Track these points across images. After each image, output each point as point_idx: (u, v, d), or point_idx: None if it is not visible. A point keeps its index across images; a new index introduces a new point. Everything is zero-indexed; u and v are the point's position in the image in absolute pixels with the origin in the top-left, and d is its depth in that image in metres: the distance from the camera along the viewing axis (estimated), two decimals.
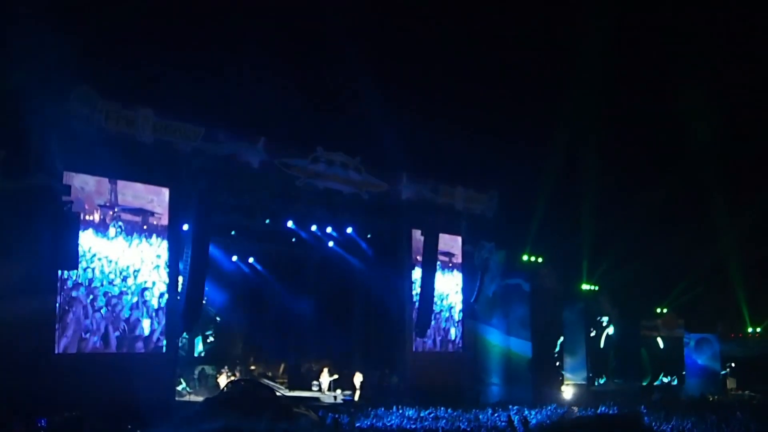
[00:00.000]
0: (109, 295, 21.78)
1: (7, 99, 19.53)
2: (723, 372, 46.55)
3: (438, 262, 31.17)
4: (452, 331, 32.48)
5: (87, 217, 21.44)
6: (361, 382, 29.60)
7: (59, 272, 20.70)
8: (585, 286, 39.31)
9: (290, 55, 30.62)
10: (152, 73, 24.31)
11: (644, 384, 42.33)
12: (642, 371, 43.17)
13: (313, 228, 30.14)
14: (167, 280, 23.28)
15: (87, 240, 21.38)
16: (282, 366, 33.44)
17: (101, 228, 21.82)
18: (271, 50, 29.35)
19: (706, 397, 35.92)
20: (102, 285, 21.64)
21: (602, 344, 41.38)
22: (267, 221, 27.98)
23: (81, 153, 21.01)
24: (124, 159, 21.99)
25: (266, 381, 28.93)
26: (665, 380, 44.19)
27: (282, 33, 30.74)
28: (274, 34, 30.32)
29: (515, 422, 21.68)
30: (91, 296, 21.37)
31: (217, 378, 28.32)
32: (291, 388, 30.89)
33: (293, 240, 30.90)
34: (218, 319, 32.73)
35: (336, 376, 30.07)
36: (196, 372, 30.01)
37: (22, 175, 20.03)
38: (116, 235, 22.11)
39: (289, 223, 28.78)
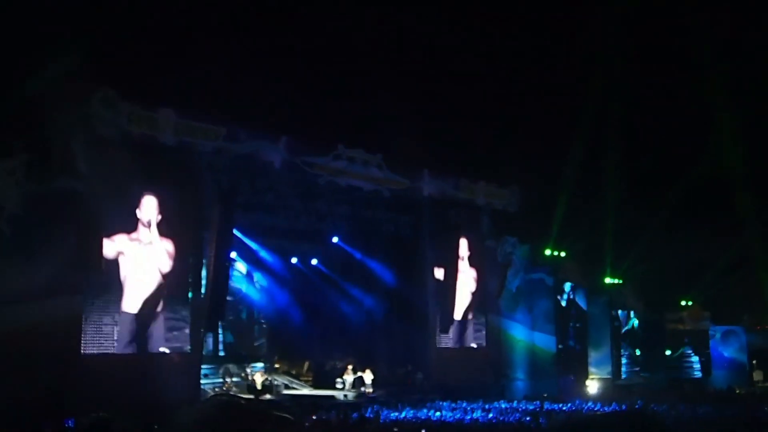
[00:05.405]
0: (134, 295, 21.95)
1: (30, 102, 19.65)
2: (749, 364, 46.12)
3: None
4: (476, 326, 32.42)
5: (111, 218, 21.60)
6: (372, 380, 29.36)
7: (84, 274, 20.85)
8: (609, 280, 39.14)
9: (309, 53, 30.60)
10: (173, 74, 24.37)
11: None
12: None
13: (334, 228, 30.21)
14: (191, 280, 23.42)
15: (110, 241, 21.55)
16: (306, 364, 33.40)
17: (125, 229, 21.97)
18: (289, 48, 29.37)
19: (733, 390, 35.68)
20: (126, 285, 21.81)
21: (626, 338, 41.14)
22: (289, 219, 27.98)
23: (104, 155, 21.13)
24: (147, 160, 22.14)
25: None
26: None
27: (300, 31, 30.74)
28: (292, 33, 30.34)
29: (539, 416, 21.66)
30: (115, 297, 21.56)
31: (252, 376, 28.32)
32: (315, 387, 30.91)
33: (314, 238, 30.87)
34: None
35: (360, 374, 30.05)
36: (221, 371, 30.06)
37: (46, 178, 20.16)
38: (140, 236, 22.27)
39: (307, 221, 28.78)
